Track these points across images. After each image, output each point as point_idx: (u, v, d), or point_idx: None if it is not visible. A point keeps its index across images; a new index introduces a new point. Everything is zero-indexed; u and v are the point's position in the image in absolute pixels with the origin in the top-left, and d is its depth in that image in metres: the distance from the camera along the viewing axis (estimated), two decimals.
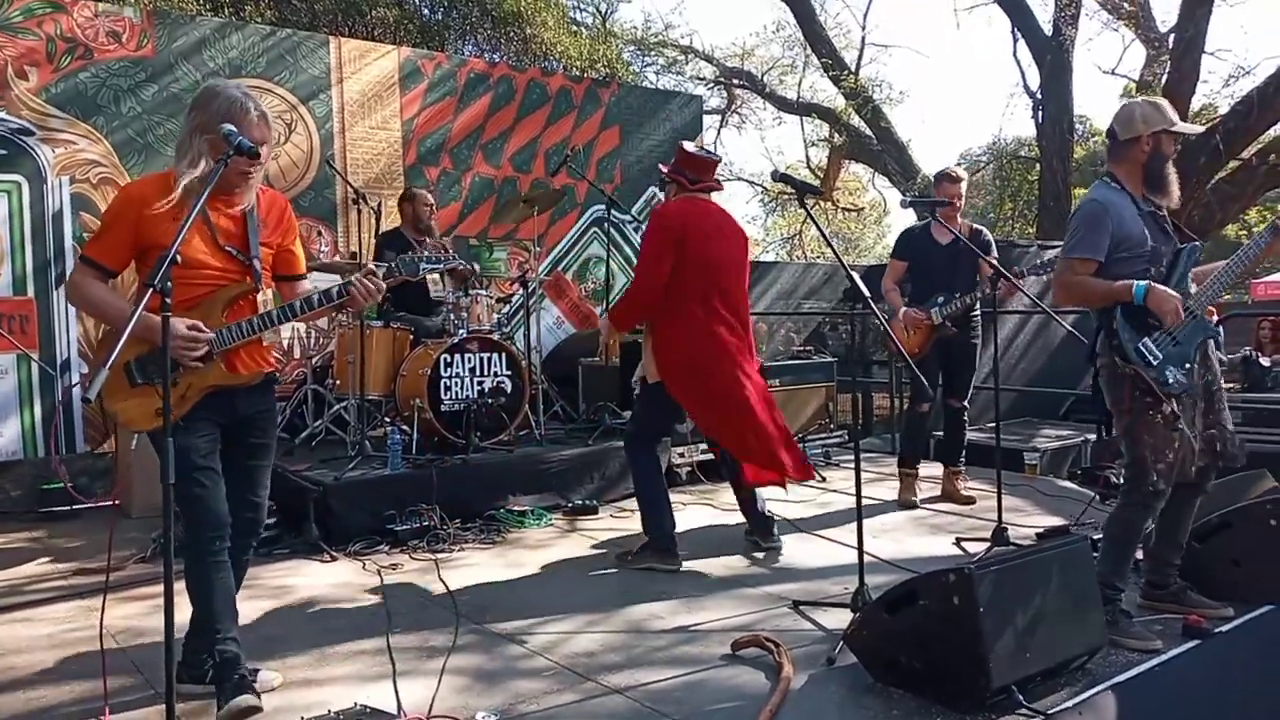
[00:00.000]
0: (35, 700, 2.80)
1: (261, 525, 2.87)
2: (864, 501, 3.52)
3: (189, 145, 2.59)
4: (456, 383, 5.27)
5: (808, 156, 20.77)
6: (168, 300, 2.16)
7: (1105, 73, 28.21)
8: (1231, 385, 7.84)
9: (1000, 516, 4.33)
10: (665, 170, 4.29)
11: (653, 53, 18.49)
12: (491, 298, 5.95)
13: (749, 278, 4.36)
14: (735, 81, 19.47)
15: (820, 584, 3.84)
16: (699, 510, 5.19)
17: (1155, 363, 3.10)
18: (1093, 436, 7.44)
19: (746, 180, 23.12)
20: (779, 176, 3.76)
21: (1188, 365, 3.13)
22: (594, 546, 4.54)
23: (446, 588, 3.82)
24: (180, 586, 2.45)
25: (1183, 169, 3.55)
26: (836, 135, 18.84)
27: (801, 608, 3.54)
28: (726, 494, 5.59)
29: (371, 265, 2.75)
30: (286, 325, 2.85)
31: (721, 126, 20.09)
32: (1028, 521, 4.74)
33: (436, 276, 5.94)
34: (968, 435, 5.40)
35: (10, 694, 2.85)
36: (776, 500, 5.40)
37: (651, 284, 4.06)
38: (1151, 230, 3.19)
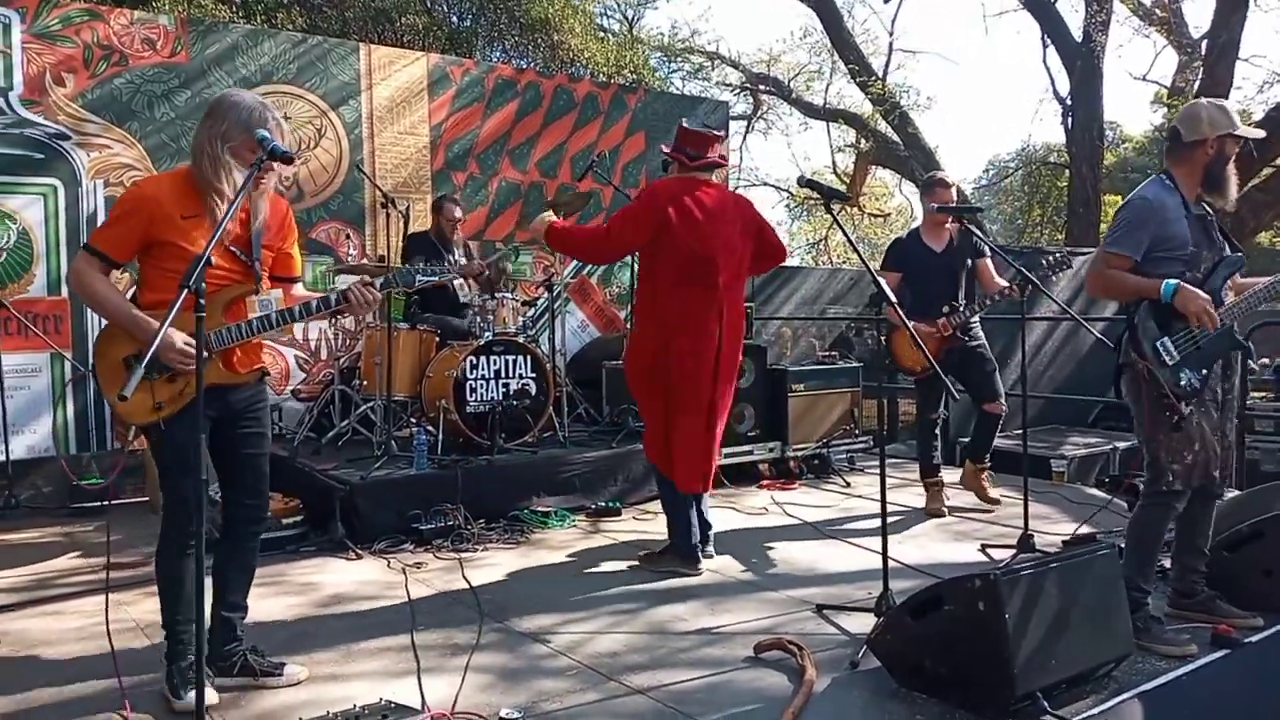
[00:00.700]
0: (62, 693, 2.85)
1: (265, 512, 2.94)
2: (888, 507, 3.50)
3: (212, 152, 2.64)
4: (482, 385, 5.31)
5: (834, 162, 20.71)
6: (202, 300, 2.21)
7: (1136, 79, 28.00)
8: (1262, 395, 7.74)
9: (1026, 523, 4.30)
10: (666, 150, 4.17)
11: (679, 59, 18.52)
12: (517, 301, 5.99)
13: (750, 262, 4.13)
14: (762, 87, 19.43)
15: (843, 588, 3.83)
16: (721, 513, 5.18)
17: (1170, 363, 3.10)
18: (1122, 444, 7.36)
19: (772, 185, 23.06)
20: (805, 182, 3.74)
21: (1204, 371, 3.12)
22: (616, 548, 4.55)
23: (470, 587, 3.84)
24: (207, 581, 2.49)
25: None
26: (863, 141, 18.77)
27: (825, 611, 3.53)
28: (749, 497, 5.61)
29: (368, 276, 2.81)
30: (283, 327, 2.89)
31: (748, 132, 20.06)
32: (1054, 529, 4.69)
33: (462, 281, 6.00)
34: (995, 442, 5.33)
35: (38, 685, 2.90)
36: (801, 504, 5.40)
37: (606, 247, 3.98)
38: (1195, 234, 3.17)
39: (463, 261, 6.15)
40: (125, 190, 3.45)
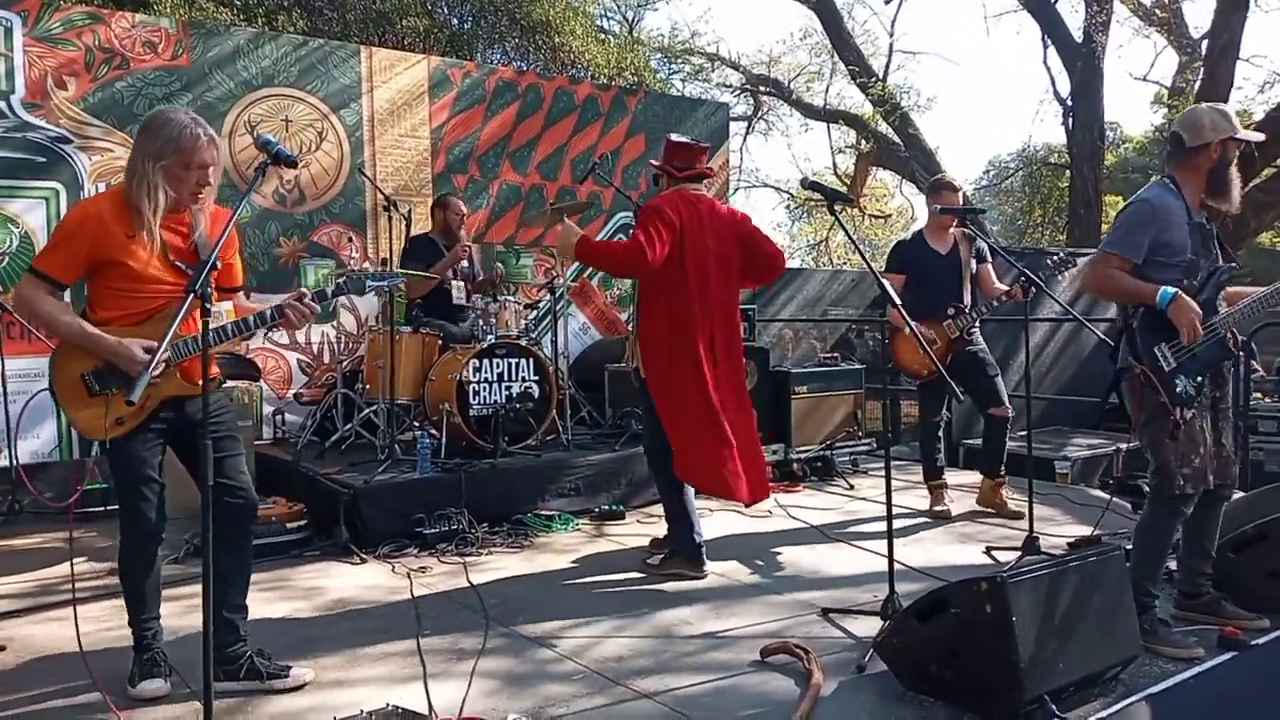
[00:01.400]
0: (70, 700, 2.84)
1: (254, 502, 2.95)
2: (893, 509, 3.50)
3: (142, 171, 2.69)
4: (485, 388, 5.31)
5: (834, 163, 20.72)
6: (208, 306, 2.22)
7: (1137, 79, 28.06)
8: (1259, 396, 7.72)
9: (1031, 525, 4.29)
10: (655, 164, 4.27)
11: (679, 60, 18.51)
12: (519, 304, 5.99)
13: (739, 272, 4.17)
14: (762, 89, 19.45)
15: (849, 591, 3.83)
16: (726, 516, 5.18)
17: (1167, 369, 3.09)
18: (1125, 445, 7.35)
19: (773, 187, 23.10)
20: (809, 184, 3.74)
21: (1199, 379, 3.13)
22: (621, 551, 4.55)
23: (476, 591, 3.84)
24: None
25: None
26: (864, 142, 18.78)
27: (831, 615, 3.53)
28: None
29: (304, 289, 2.87)
30: (235, 339, 2.91)
31: (748, 133, 20.09)
32: (1059, 530, 4.69)
33: (461, 283, 6.00)
34: None
35: (42, 692, 2.90)
36: (804, 507, 5.39)
37: (642, 260, 3.81)
38: (1194, 241, 3.17)
39: (465, 264, 6.15)
40: (68, 211, 3.53)
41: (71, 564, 3.40)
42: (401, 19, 11.64)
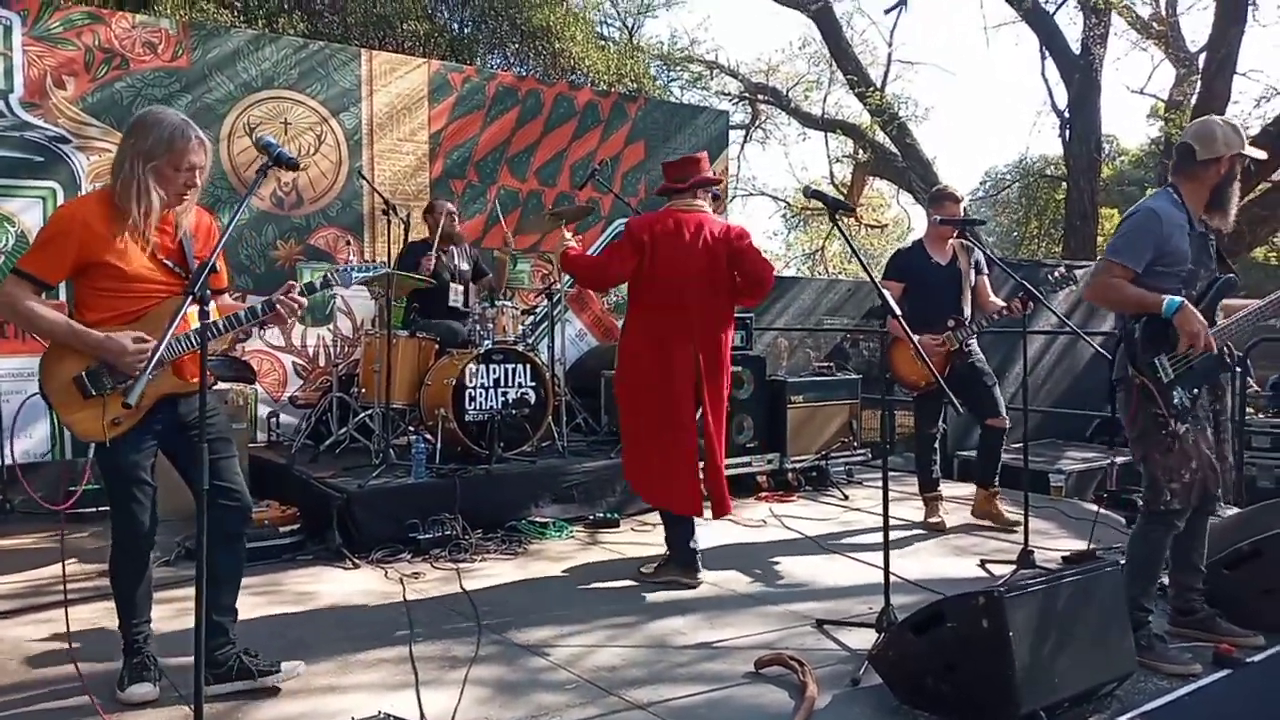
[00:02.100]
0: (63, 702, 2.82)
1: (248, 506, 2.94)
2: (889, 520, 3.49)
3: (131, 171, 2.67)
4: (481, 393, 5.29)
5: (832, 173, 20.73)
6: (207, 309, 2.21)
7: (1134, 92, 28.02)
8: (1252, 411, 7.74)
9: (1026, 538, 4.29)
10: (658, 191, 4.45)
11: (678, 67, 18.54)
12: (516, 309, 5.98)
13: (728, 289, 4.17)
14: (760, 97, 19.47)
15: (844, 603, 3.81)
16: (721, 526, 5.16)
17: (1166, 380, 3.09)
18: (1120, 459, 7.36)
19: (770, 195, 23.11)
20: (811, 192, 3.74)
21: (1195, 391, 3.13)
22: (615, 560, 4.53)
23: (469, 598, 3.82)
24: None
25: None
26: (861, 151, 18.80)
27: (825, 626, 3.52)
28: (748, 509, 5.60)
29: (292, 282, 2.87)
30: (223, 336, 2.92)
31: (745, 142, 20.09)
32: (1053, 544, 4.69)
33: (459, 286, 5.99)
34: None
35: (32, 694, 2.88)
36: (799, 517, 5.39)
37: (599, 276, 4.30)
38: (1195, 251, 3.17)
39: (464, 266, 6.14)
40: (54, 211, 3.53)
41: (64, 565, 3.37)
42: (402, 23, 11.64)
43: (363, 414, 5.61)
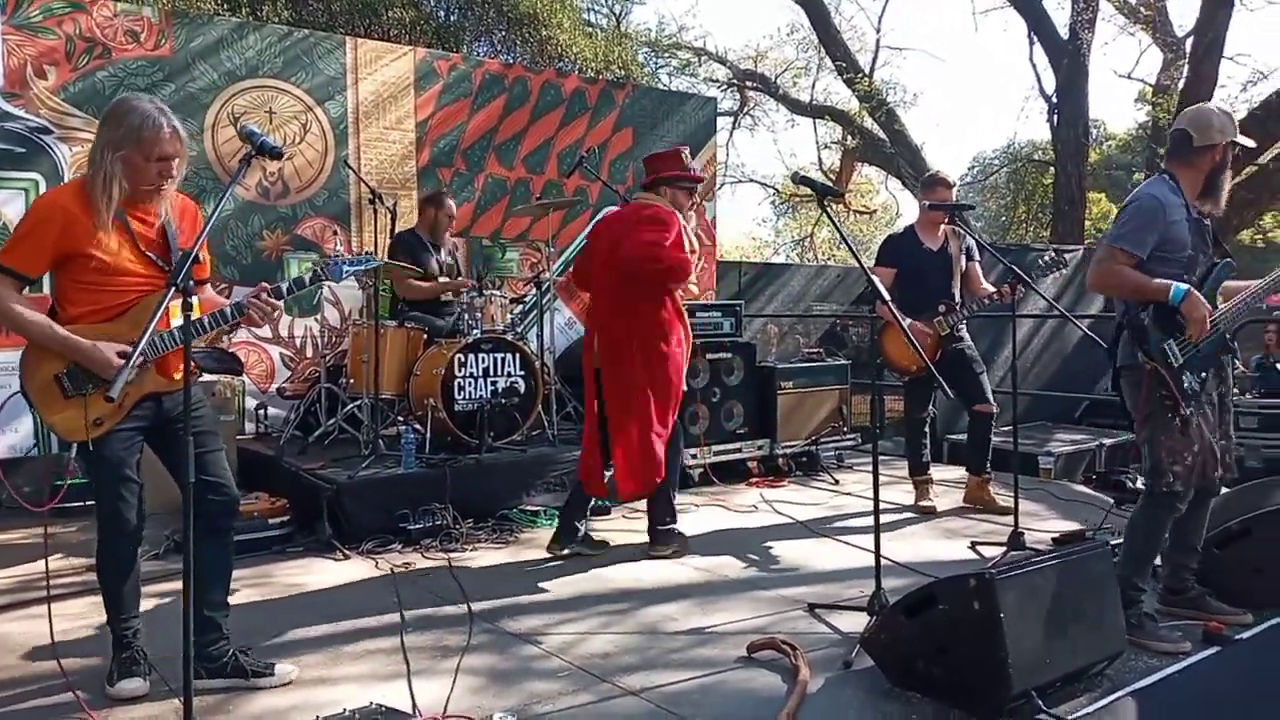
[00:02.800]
0: (50, 698, 2.80)
1: (235, 498, 2.91)
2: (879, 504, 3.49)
3: (100, 161, 2.61)
4: (470, 382, 5.27)
5: (820, 159, 20.71)
6: (190, 300, 2.18)
7: (1121, 76, 28.21)
8: (1239, 392, 7.78)
9: (1016, 521, 4.30)
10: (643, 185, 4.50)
11: (666, 54, 18.47)
12: (505, 298, 5.95)
13: (621, 278, 4.15)
14: (748, 84, 19.42)
15: (835, 586, 3.82)
16: (712, 512, 5.17)
17: (1175, 365, 3.10)
18: (1108, 441, 7.40)
19: (758, 182, 23.07)
20: (799, 179, 3.74)
21: (1203, 374, 3.15)
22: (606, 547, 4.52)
23: (460, 587, 3.81)
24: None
25: None
26: (849, 138, 18.79)
27: (817, 610, 3.52)
28: (739, 495, 5.60)
29: (263, 284, 2.82)
30: (206, 334, 2.91)
31: (734, 129, 20.05)
32: (1043, 526, 4.70)
33: (447, 279, 5.95)
34: None
35: (18, 692, 2.86)
36: (790, 502, 5.39)
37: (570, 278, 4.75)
38: (1194, 237, 3.18)
39: (449, 260, 6.11)
40: (33, 202, 3.47)
41: (46, 562, 3.33)
42: (387, 10, 11.55)
43: (351, 405, 5.58)
